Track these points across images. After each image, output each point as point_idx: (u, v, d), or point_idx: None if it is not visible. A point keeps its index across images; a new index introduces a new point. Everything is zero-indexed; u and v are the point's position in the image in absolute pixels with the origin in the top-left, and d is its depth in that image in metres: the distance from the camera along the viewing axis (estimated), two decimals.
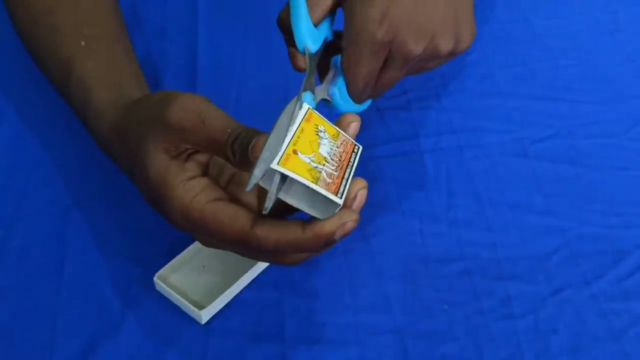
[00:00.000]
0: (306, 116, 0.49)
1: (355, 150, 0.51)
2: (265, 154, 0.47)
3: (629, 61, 0.79)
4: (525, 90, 0.76)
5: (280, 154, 0.46)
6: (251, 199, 0.54)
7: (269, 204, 0.46)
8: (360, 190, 0.49)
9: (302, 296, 0.59)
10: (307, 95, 0.52)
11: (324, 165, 0.48)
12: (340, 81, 0.57)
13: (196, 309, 0.56)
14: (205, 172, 0.53)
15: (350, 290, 0.60)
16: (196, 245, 0.61)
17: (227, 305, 0.58)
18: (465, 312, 0.58)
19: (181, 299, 0.57)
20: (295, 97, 0.50)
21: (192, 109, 0.51)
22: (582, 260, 0.62)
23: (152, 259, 0.60)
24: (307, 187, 0.46)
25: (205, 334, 0.57)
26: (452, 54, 0.58)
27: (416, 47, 0.56)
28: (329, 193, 0.47)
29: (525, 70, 0.78)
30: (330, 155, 0.49)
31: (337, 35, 0.58)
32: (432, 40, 0.56)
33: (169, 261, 0.59)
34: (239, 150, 0.49)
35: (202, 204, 0.50)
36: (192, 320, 0.58)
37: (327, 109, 0.58)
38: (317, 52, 0.56)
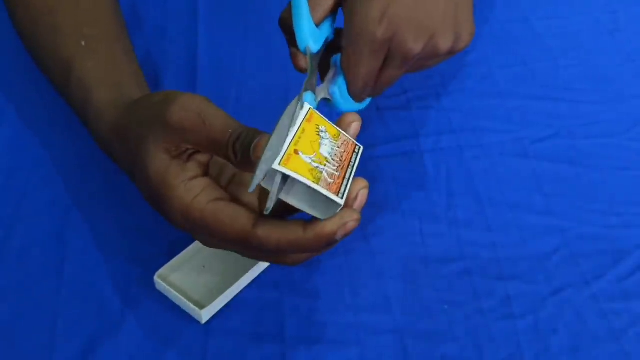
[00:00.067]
0: (307, 116, 0.49)
1: (356, 151, 0.51)
2: (267, 154, 0.47)
3: (629, 61, 0.79)
4: (525, 90, 0.76)
5: (281, 154, 0.46)
6: (252, 199, 0.54)
7: (270, 204, 0.46)
8: (362, 190, 0.49)
9: (302, 296, 0.59)
10: (308, 95, 0.52)
11: (325, 165, 0.48)
12: (341, 80, 0.57)
13: (197, 308, 0.56)
14: (206, 172, 0.53)
15: (351, 290, 0.60)
16: (196, 245, 0.61)
17: (227, 305, 0.58)
18: (465, 312, 0.58)
19: (182, 298, 0.57)
20: (297, 97, 0.50)
21: (192, 109, 0.51)
22: (582, 260, 0.62)
23: (152, 259, 0.60)
24: (309, 187, 0.46)
25: (205, 334, 0.57)
26: (451, 52, 0.58)
27: (416, 46, 0.56)
28: (330, 193, 0.47)
29: (525, 70, 0.78)
30: (331, 156, 0.49)
31: (337, 34, 0.58)
32: (431, 39, 0.56)
33: (169, 261, 0.59)
34: (240, 151, 0.49)
35: (203, 204, 0.50)
36: (192, 320, 0.58)
37: (327, 108, 0.58)
38: (318, 52, 0.56)
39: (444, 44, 0.57)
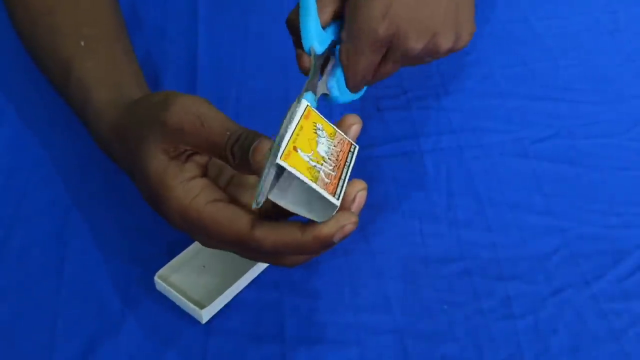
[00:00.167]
0: (305, 113, 0.49)
1: (352, 150, 0.51)
2: (272, 159, 0.46)
3: (629, 61, 0.79)
4: (525, 90, 0.76)
5: (281, 149, 0.46)
6: (250, 200, 0.54)
7: (261, 199, 0.46)
8: (360, 192, 0.49)
9: (302, 296, 0.59)
10: (308, 95, 0.52)
11: (322, 164, 0.47)
12: (339, 72, 0.57)
13: (197, 308, 0.56)
14: (204, 173, 0.53)
15: (351, 290, 0.60)
16: (196, 245, 0.61)
17: (227, 305, 0.58)
18: (465, 312, 0.58)
19: (182, 298, 0.57)
20: (297, 99, 0.50)
21: (191, 111, 0.51)
22: (582, 260, 0.62)
23: (152, 259, 0.60)
24: (307, 186, 0.46)
25: (205, 334, 0.57)
26: (450, 51, 0.59)
27: (417, 44, 0.56)
28: (327, 194, 0.47)
29: (525, 70, 0.78)
30: (327, 155, 0.48)
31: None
32: (432, 38, 0.56)
33: (169, 261, 0.59)
34: (238, 153, 0.49)
35: (201, 205, 0.50)
36: (192, 321, 0.58)
37: (325, 102, 0.58)
38: (322, 54, 0.56)
39: (445, 43, 0.57)
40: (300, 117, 0.48)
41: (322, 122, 0.50)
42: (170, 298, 0.58)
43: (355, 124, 0.52)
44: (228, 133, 0.50)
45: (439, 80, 0.76)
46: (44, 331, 0.57)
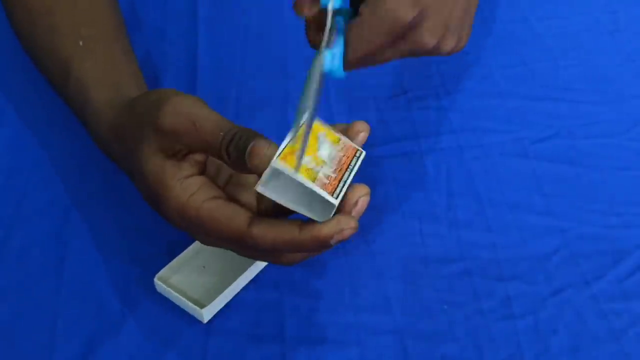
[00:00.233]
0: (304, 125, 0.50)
1: (357, 155, 0.51)
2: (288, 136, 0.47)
3: (629, 61, 0.79)
4: (525, 90, 0.76)
5: (278, 152, 0.47)
6: (250, 199, 0.54)
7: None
8: (362, 197, 0.49)
9: (302, 296, 0.59)
10: (327, 52, 0.50)
11: (321, 166, 0.48)
12: (336, 47, 0.54)
13: (197, 308, 0.56)
14: (202, 171, 0.53)
15: (351, 290, 0.60)
16: (196, 245, 0.61)
17: (227, 305, 0.58)
18: (465, 312, 0.58)
19: (182, 298, 0.57)
20: (317, 54, 0.49)
21: (183, 112, 0.51)
22: (582, 260, 0.62)
23: (151, 259, 0.60)
24: (304, 186, 0.47)
25: (205, 335, 0.57)
26: (448, 53, 0.58)
27: (432, 40, 0.54)
28: (325, 192, 0.47)
29: (525, 70, 0.78)
30: (329, 158, 0.49)
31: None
32: (442, 36, 0.56)
33: (168, 261, 0.59)
34: (234, 153, 0.49)
35: (199, 203, 0.50)
36: (192, 321, 0.58)
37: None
38: (336, 10, 0.53)
39: (449, 44, 0.56)
40: (302, 127, 0.49)
41: (325, 130, 0.51)
42: (171, 299, 0.58)
43: (363, 132, 0.52)
44: (222, 133, 0.50)
45: (439, 80, 0.76)
46: (44, 331, 0.57)
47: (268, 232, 0.48)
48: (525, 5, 0.85)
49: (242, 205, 0.51)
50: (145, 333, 0.57)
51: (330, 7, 0.52)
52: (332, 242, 0.48)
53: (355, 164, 0.50)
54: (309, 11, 0.52)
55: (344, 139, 0.51)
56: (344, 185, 0.48)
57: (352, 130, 0.52)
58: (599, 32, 0.82)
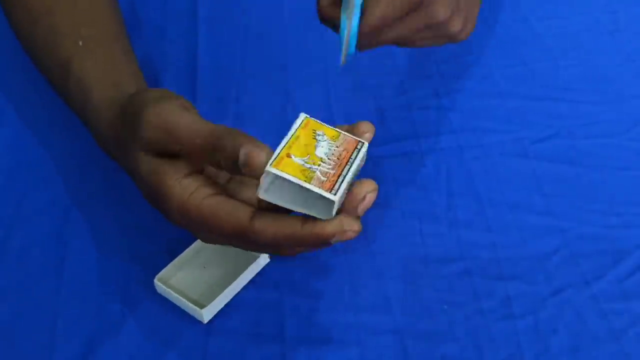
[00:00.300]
0: (302, 124, 0.50)
1: (358, 147, 0.51)
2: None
3: (629, 61, 0.79)
4: (525, 90, 0.76)
5: (273, 158, 0.47)
6: (252, 195, 0.54)
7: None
8: (370, 193, 0.49)
9: (302, 296, 0.59)
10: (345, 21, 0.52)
11: (319, 165, 0.48)
12: (344, 22, 0.56)
13: (197, 308, 0.56)
14: (200, 168, 0.53)
15: (351, 290, 0.60)
16: (195, 246, 0.61)
17: (227, 305, 0.58)
18: (465, 312, 0.58)
19: (182, 299, 0.57)
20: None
21: (160, 121, 0.51)
22: (582, 260, 0.62)
23: (151, 258, 0.60)
24: (299, 186, 0.47)
25: (205, 335, 0.57)
26: (451, 37, 0.58)
27: (443, 13, 0.55)
28: (321, 190, 0.47)
29: (525, 70, 0.78)
30: (327, 156, 0.49)
31: None
32: (453, 12, 0.56)
33: (169, 260, 0.59)
34: (227, 164, 0.49)
35: (199, 200, 0.50)
36: (192, 321, 0.58)
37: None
38: None
39: (455, 26, 0.57)
40: (297, 129, 0.50)
41: (323, 128, 0.51)
42: (171, 300, 0.58)
43: (368, 132, 0.52)
44: (198, 141, 0.50)
45: (439, 80, 0.76)
46: (44, 331, 0.57)
47: (269, 226, 0.48)
48: (525, 6, 0.85)
49: (244, 202, 0.51)
50: (145, 333, 0.57)
51: None
52: (333, 241, 0.48)
53: (356, 156, 0.51)
54: None
55: (343, 133, 0.51)
56: (343, 179, 0.48)
57: (357, 131, 0.52)
58: (599, 32, 0.82)
